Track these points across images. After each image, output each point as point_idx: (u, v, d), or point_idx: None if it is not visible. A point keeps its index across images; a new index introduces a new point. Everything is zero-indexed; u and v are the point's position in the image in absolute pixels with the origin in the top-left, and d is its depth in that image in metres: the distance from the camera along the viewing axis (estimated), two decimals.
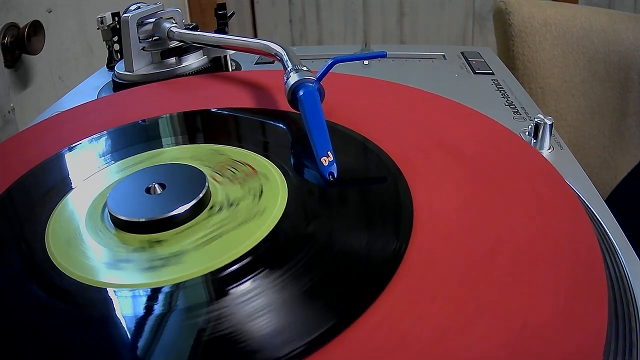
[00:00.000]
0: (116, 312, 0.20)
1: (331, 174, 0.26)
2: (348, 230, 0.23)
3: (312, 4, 1.31)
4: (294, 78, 0.32)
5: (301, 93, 0.31)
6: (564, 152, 0.34)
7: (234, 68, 0.49)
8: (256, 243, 0.22)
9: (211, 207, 0.25)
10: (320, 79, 0.33)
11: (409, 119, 0.33)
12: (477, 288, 0.20)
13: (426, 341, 0.18)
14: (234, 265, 0.21)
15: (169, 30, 0.44)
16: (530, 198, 0.25)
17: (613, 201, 0.65)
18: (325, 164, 0.26)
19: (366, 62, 0.52)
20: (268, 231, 0.23)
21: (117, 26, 0.52)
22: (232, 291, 0.20)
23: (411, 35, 1.33)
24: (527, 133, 0.35)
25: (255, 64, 0.52)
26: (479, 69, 0.49)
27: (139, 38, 0.45)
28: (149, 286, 0.21)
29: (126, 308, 0.20)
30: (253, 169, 0.28)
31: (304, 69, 0.33)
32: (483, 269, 0.20)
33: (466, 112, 0.33)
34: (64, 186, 0.28)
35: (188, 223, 0.24)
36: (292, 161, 0.29)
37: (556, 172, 0.26)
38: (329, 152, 0.27)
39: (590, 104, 0.72)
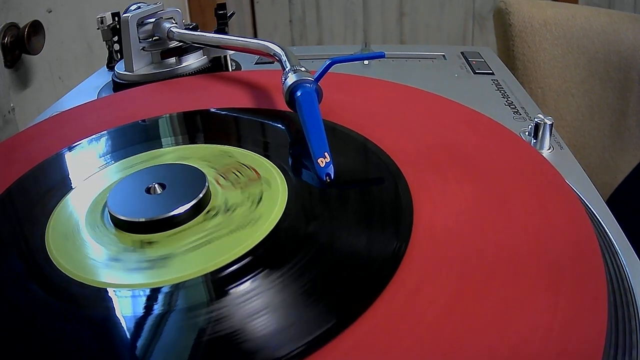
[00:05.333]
0: (116, 312, 0.20)
1: (328, 175, 0.26)
2: (348, 230, 0.23)
3: (312, 4, 1.31)
4: (291, 78, 0.32)
5: (299, 94, 0.31)
6: (564, 152, 0.34)
7: (234, 68, 0.49)
8: (256, 243, 0.22)
9: (212, 207, 0.25)
10: (318, 79, 0.32)
11: (409, 119, 0.33)
12: (476, 288, 0.20)
13: (425, 342, 0.18)
14: (233, 265, 0.21)
15: (169, 30, 0.44)
16: (531, 198, 0.25)
17: (613, 202, 0.65)
18: (322, 165, 0.26)
19: (366, 62, 0.52)
20: (268, 231, 0.23)
21: (117, 26, 0.52)
22: (231, 291, 0.20)
23: (411, 35, 1.33)
24: (527, 133, 0.35)
25: (255, 64, 0.52)
26: (479, 69, 0.49)
27: (139, 38, 0.45)
28: (148, 286, 0.21)
29: (126, 308, 0.20)
30: (256, 172, 0.28)
31: (302, 69, 0.33)
32: (483, 269, 0.20)
33: (466, 112, 0.33)
34: (64, 186, 0.28)
35: (188, 223, 0.24)
36: (292, 161, 0.29)
37: (557, 173, 0.26)
38: (325, 154, 0.27)
39: (590, 104, 0.72)
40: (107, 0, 0.74)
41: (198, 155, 0.30)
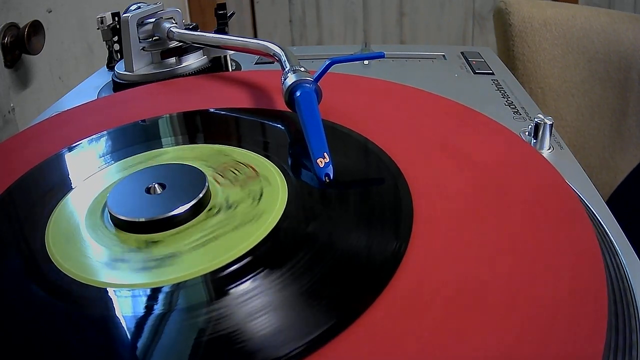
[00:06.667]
0: (116, 312, 0.20)
1: (327, 175, 0.26)
2: (348, 230, 0.23)
3: (312, 4, 1.31)
4: (291, 79, 0.32)
5: (298, 94, 0.31)
6: (564, 152, 0.34)
7: (234, 68, 0.49)
8: (256, 243, 0.22)
9: (211, 208, 0.25)
10: (317, 79, 0.32)
11: (409, 119, 0.33)
12: (476, 288, 0.20)
13: (425, 342, 0.18)
14: (233, 265, 0.21)
15: (169, 30, 0.44)
16: (531, 198, 0.25)
17: (613, 201, 0.65)
18: (321, 165, 0.26)
19: (366, 62, 0.52)
20: (268, 231, 0.23)
21: (117, 26, 0.52)
22: (231, 291, 0.20)
23: (411, 35, 1.33)
24: (527, 133, 0.35)
25: (255, 64, 0.52)
26: (479, 69, 0.49)
27: (139, 38, 0.45)
28: (148, 286, 0.21)
29: (126, 308, 0.20)
30: (255, 170, 0.28)
31: (302, 69, 0.33)
32: (483, 269, 0.20)
33: (466, 112, 0.33)
34: (64, 186, 0.28)
35: (188, 223, 0.24)
36: (292, 161, 0.29)
37: (557, 173, 0.26)
38: (325, 154, 0.27)
39: (590, 104, 0.72)
40: (107, 0, 0.74)
41: (194, 154, 0.30)
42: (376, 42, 1.24)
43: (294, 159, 0.30)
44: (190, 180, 0.26)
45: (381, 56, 0.35)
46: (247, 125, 0.35)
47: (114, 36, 0.53)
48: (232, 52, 0.46)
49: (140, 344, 0.19)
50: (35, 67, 0.63)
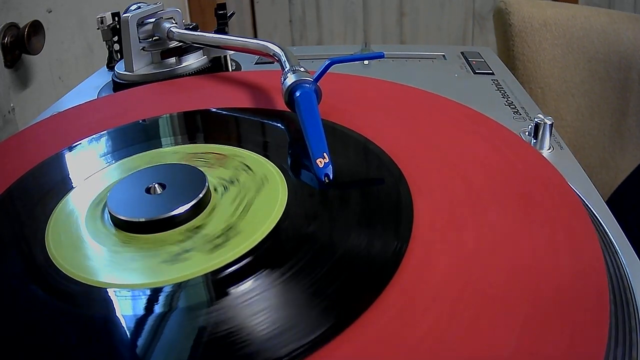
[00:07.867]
0: (116, 312, 0.20)
1: (326, 175, 0.26)
2: (348, 230, 0.23)
3: (312, 4, 1.31)
4: (290, 79, 0.32)
5: (298, 94, 0.31)
6: (564, 152, 0.34)
7: (234, 68, 0.49)
8: (256, 243, 0.22)
9: (211, 208, 0.25)
10: (317, 80, 0.32)
11: (409, 119, 0.33)
12: (476, 288, 0.20)
13: (425, 342, 0.18)
14: (234, 265, 0.21)
15: (169, 30, 0.44)
16: (531, 199, 0.25)
17: (613, 202, 0.65)
18: (321, 165, 0.26)
19: (366, 62, 0.52)
20: (268, 231, 0.23)
21: (117, 26, 0.52)
22: (232, 291, 0.20)
23: (411, 35, 1.33)
24: (527, 133, 0.35)
25: (255, 64, 0.52)
26: (479, 69, 0.49)
27: (139, 38, 0.45)
28: (149, 286, 0.21)
29: (126, 308, 0.20)
30: (252, 170, 0.28)
31: (302, 69, 0.33)
32: (483, 269, 0.20)
33: (466, 113, 0.33)
34: (64, 186, 0.28)
35: (188, 223, 0.24)
36: (292, 161, 0.29)
37: (557, 173, 0.26)
38: (324, 154, 0.27)
39: (590, 104, 0.72)
40: (107, 0, 0.74)
41: (194, 154, 0.30)
42: (376, 42, 1.24)
43: (293, 159, 0.29)
44: (190, 180, 0.26)
45: (381, 56, 0.35)
46: (247, 125, 0.35)
47: (114, 36, 0.53)
48: (232, 52, 0.46)
49: (140, 344, 0.19)
50: (35, 67, 0.63)
